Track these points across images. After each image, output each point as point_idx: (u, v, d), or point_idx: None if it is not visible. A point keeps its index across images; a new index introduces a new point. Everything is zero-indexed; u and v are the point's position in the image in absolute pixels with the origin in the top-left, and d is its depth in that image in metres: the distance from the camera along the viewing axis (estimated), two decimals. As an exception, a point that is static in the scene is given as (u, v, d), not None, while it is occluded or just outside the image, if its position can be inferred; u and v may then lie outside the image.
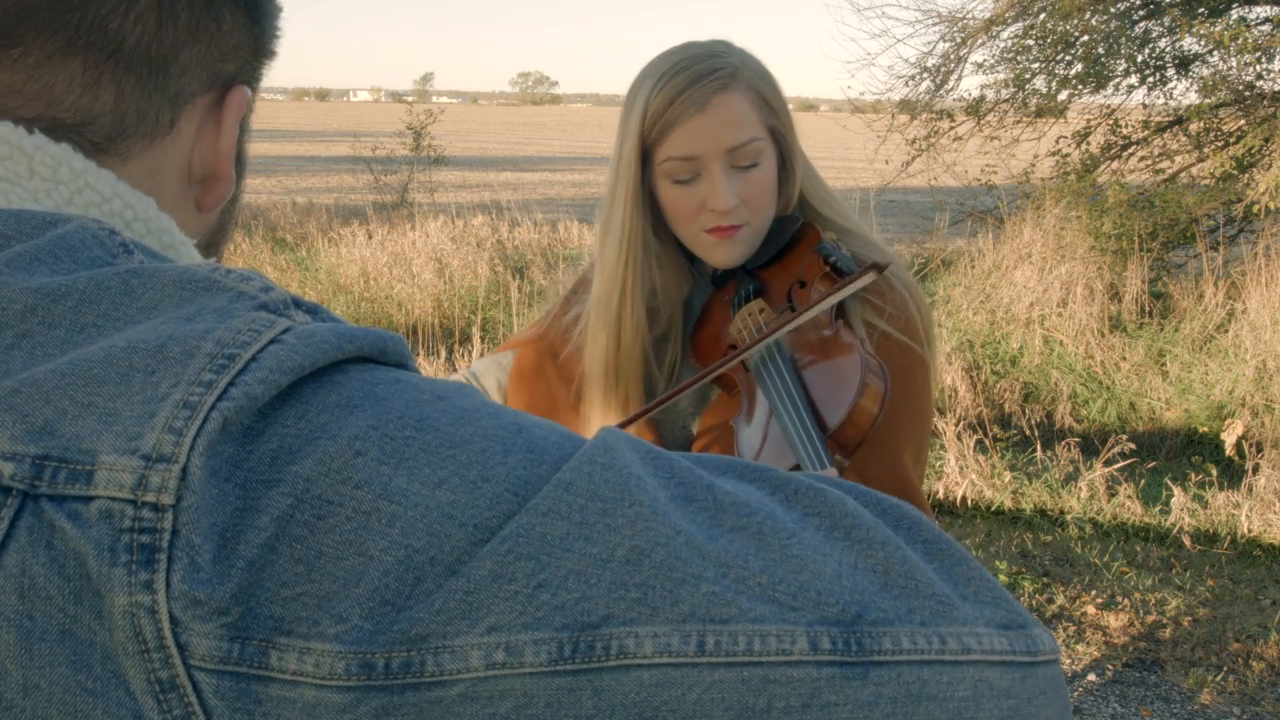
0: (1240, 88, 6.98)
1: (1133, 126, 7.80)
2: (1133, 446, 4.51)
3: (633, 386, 1.27)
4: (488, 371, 1.41)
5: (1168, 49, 7.55)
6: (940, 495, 4.42)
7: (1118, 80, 7.57)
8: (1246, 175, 6.63)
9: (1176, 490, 4.19)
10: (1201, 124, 7.23)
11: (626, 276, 1.24)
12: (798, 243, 1.26)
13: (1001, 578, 3.66)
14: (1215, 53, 7.08)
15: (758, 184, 1.20)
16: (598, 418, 1.27)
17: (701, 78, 1.17)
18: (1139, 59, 7.50)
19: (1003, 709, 0.38)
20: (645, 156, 1.21)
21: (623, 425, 1.21)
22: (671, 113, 1.17)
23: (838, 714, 0.36)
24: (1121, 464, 4.43)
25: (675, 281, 1.29)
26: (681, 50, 1.21)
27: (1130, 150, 7.73)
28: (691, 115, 1.16)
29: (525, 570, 0.36)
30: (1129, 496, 4.27)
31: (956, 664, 0.37)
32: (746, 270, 1.28)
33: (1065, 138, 7.70)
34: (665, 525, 0.37)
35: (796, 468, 1.12)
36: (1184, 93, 10.91)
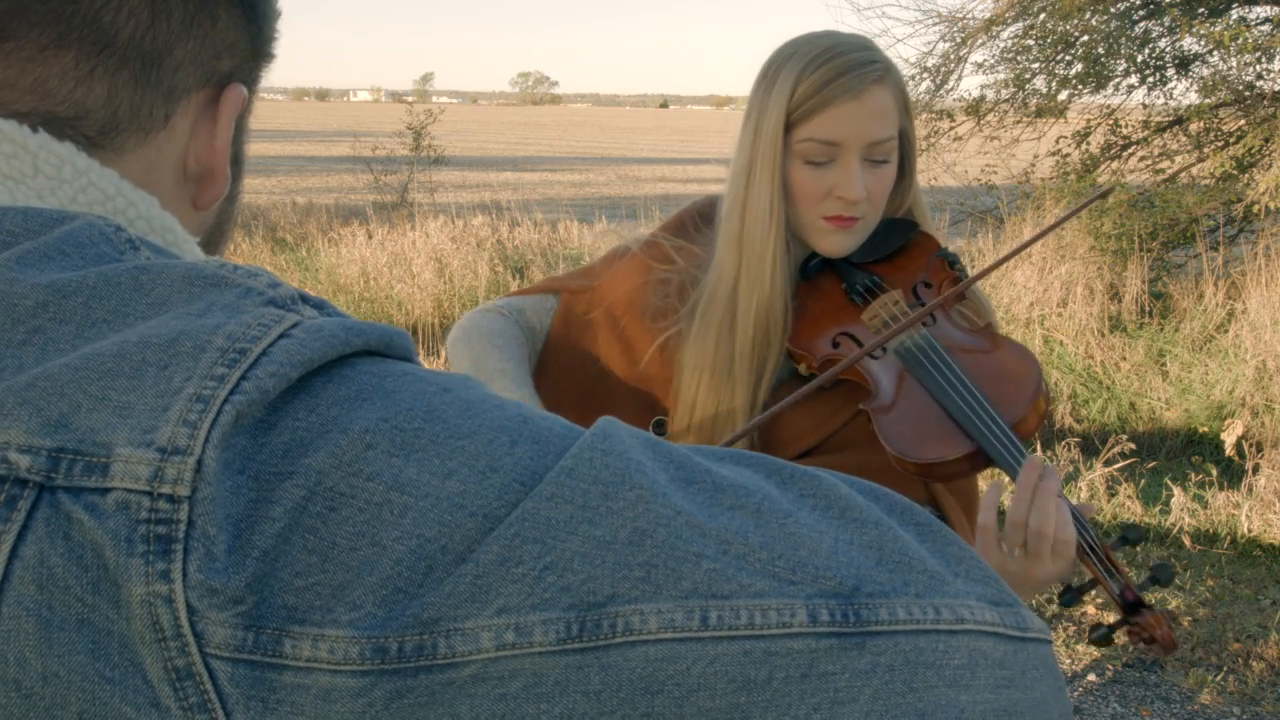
0: (1240, 88, 6.97)
1: (1133, 126, 7.79)
2: (1133, 446, 4.51)
3: (773, 351, 1.24)
4: (528, 309, 1.36)
5: (1168, 49, 7.54)
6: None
7: (1118, 80, 7.56)
8: (1246, 175, 6.62)
9: (1176, 490, 4.20)
10: (1201, 124, 7.22)
11: (777, 251, 1.22)
12: (912, 246, 1.27)
13: (1002, 577, 3.66)
14: (1215, 53, 7.07)
15: (883, 180, 1.21)
16: (741, 388, 1.23)
17: (861, 65, 1.16)
18: (1139, 59, 7.49)
19: (997, 678, 0.39)
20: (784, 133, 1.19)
21: (771, 412, 1.18)
22: (827, 94, 1.15)
23: (837, 683, 0.37)
24: (1121, 464, 4.42)
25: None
26: (833, 35, 1.20)
27: (1130, 150, 7.72)
28: (846, 101, 1.15)
29: (532, 554, 0.36)
30: (1129, 496, 4.27)
31: (952, 633, 0.38)
32: (850, 263, 1.27)
33: (1065, 138, 7.69)
34: (666, 506, 0.38)
35: (978, 451, 1.10)
36: (1184, 93, 10.90)
